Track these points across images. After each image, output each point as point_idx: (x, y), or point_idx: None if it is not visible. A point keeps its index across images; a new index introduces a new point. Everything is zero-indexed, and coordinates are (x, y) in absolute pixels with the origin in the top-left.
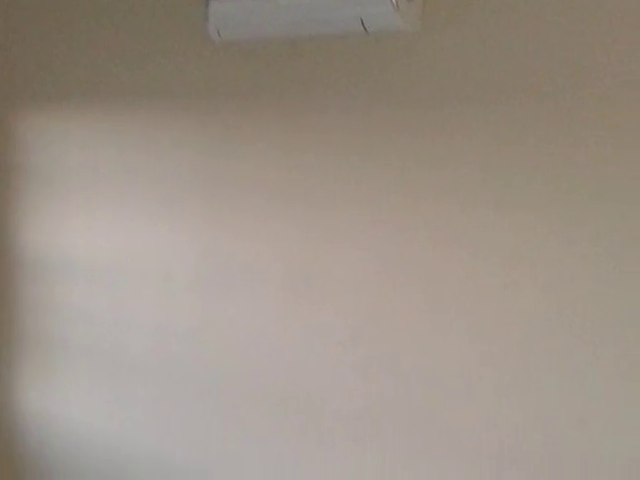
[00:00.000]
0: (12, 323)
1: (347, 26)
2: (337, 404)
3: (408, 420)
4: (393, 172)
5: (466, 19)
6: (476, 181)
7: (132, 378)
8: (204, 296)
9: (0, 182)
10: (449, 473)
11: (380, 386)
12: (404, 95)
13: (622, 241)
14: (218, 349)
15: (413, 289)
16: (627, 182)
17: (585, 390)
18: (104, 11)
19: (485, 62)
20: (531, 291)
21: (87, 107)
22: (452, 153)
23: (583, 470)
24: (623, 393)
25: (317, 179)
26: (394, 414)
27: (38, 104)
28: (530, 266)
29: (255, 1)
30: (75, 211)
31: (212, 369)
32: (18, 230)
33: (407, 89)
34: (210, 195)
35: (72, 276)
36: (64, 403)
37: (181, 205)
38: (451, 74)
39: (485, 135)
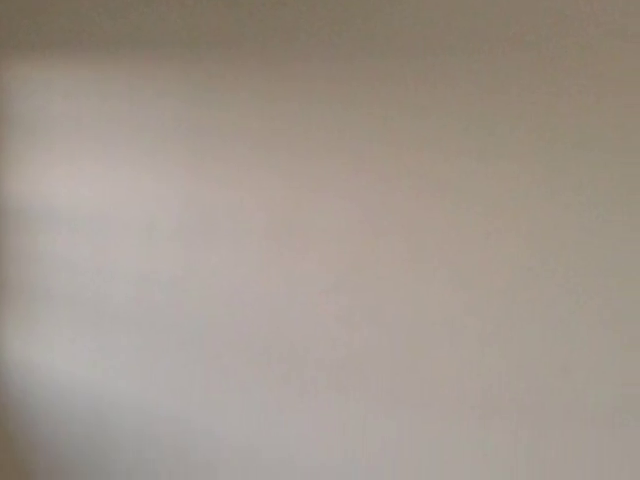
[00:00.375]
0: None
1: None
2: (320, 353)
3: (391, 369)
4: (376, 121)
5: None
6: (459, 130)
7: (115, 327)
8: (187, 245)
9: None
10: (432, 422)
11: (363, 335)
12: (388, 44)
13: (605, 190)
14: (201, 298)
15: (396, 238)
16: (610, 131)
17: (568, 339)
18: None
19: (468, 11)
20: (514, 240)
21: (70, 56)
22: (435, 102)
23: (566, 418)
24: (606, 342)
25: (300, 128)
26: (377, 363)
27: (21, 53)
28: (513, 215)
29: None
30: (58, 160)
31: (195, 318)
32: (1, 179)
33: (390, 38)
34: (193, 144)
35: (55, 225)
36: (47, 352)
37: (164, 154)
38: (434, 23)
39: (468, 84)
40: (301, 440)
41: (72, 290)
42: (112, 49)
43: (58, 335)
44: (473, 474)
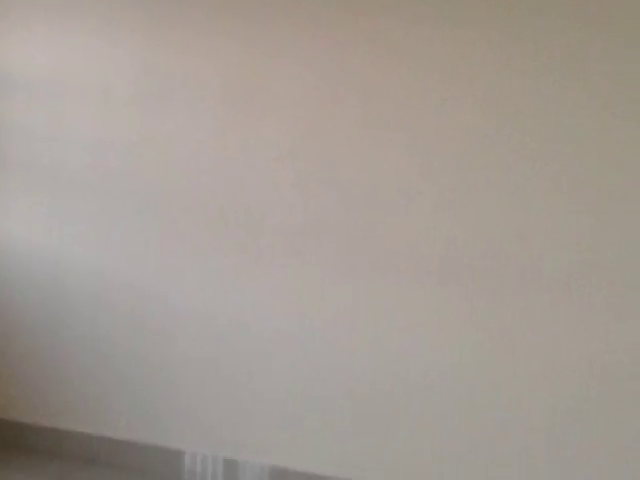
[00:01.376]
0: None
1: None
2: (276, 219)
3: (347, 235)
4: None
5: None
6: None
7: (71, 193)
8: (143, 111)
9: None
10: (388, 288)
11: (319, 201)
12: None
13: (561, 55)
14: (157, 164)
15: (353, 104)
16: None
17: (524, 205)
18: None
19: None
20: (470, 107)
21: None
22: None
23: (522, 284)
24: (562, 207)
25: None
26: (333, 229)
27: None
28: (469, 81)
29: None
30: (13, 27)
31: (151, 184)
32: None
33: None
34: (149, 10)
35: (11, 92)
36: (4, 219)
37: (120, 20)
38: None
39: None
40: (257, 306)
41: (29, 157)
42: None
43: (15, 202)
44: (429, 339)
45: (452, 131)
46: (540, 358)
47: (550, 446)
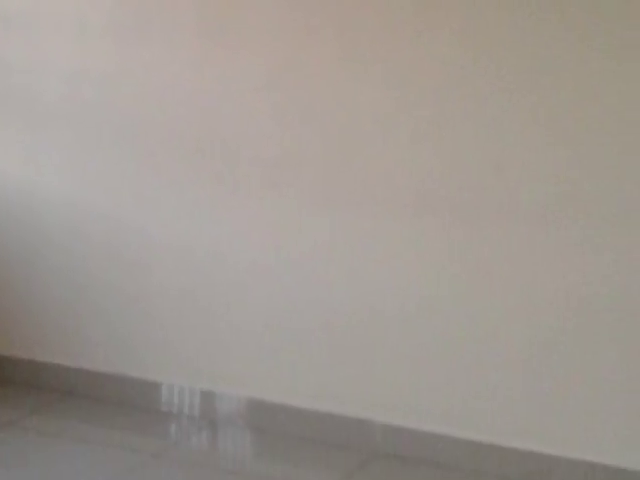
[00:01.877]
0: None
1: None
2: (253, 151)
3: (324, 167)
4: None
5: None
6: None
7: (47, 125)
8: (119, 42)
9: None
10: (365, 220)
11: (296, 133)
12: None
13: None
14: (134, 96)
15: (329, 36)
16: None
17: (501, 136)
18: None
19: None
20: (447, 38)
21: None
22: None
23: (498, 216)
24: (539, 139)
25: None
26: (310, 161)
27: None
28: (446, 13)
29: None
30: None
31: (128, 116)
32: None
33: None
34: None
35: None
36: None
37: None
38: None
39: None
40: (234, 238)
41: (4, 89)
42: None
43: None
44: (406, 271)
45: (428, 63)
46: (517, 290)
47: (527, 377)
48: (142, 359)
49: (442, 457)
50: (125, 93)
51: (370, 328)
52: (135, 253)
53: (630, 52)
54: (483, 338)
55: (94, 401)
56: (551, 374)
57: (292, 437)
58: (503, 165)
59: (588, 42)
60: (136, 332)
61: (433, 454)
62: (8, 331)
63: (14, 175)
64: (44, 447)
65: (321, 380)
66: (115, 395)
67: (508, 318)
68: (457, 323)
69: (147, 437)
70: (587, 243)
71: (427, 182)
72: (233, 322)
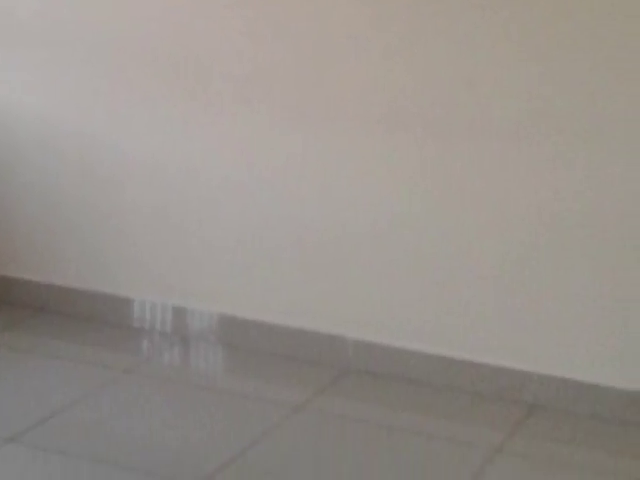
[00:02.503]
0: None
1: None
2: (226, 67)
3: (297, 83)
4: None
5: None
6: None
7: (20, 41)
8: None
9: None
10: (338, 136)
11: (269, 49)
12: None
13: None
14: (106, 12)
15: None
16: None
17: (473, 52)
18: None
19: None
20: None
21: None
22: None
23: (471, 132)
24: (511, 55)
25: None
26: (283, 77)
27: None
28: None
29: None
30: None
31: (101, 33)
32: None
33: None
34: None
35: None
36: None
37: None
38: None
39: None
40: (206, 154)
41: None
42: None
43: None
44: (378, 187)
45: None
46: (489, 206)
47: (499, 293)
48: (114, 275)
49: (414, 373)
50: (98, 10)
51: (342, 244)
52: (108, 170)
53: None
54: (455, 254)
55: (66, 317)
56: (523, 290)
57: (264, 353)
58: (475, 81)
59: None
60: (108, 248)
61: (405, 370)
62: None
63: None
64: (16, 363)
65: (293, 296)
66: (87, 311)
67: (480, 234)
68: (429, 239)
69: (119, 353)
70: (559, 159)
71: (399, 98)
72: (205, 238)
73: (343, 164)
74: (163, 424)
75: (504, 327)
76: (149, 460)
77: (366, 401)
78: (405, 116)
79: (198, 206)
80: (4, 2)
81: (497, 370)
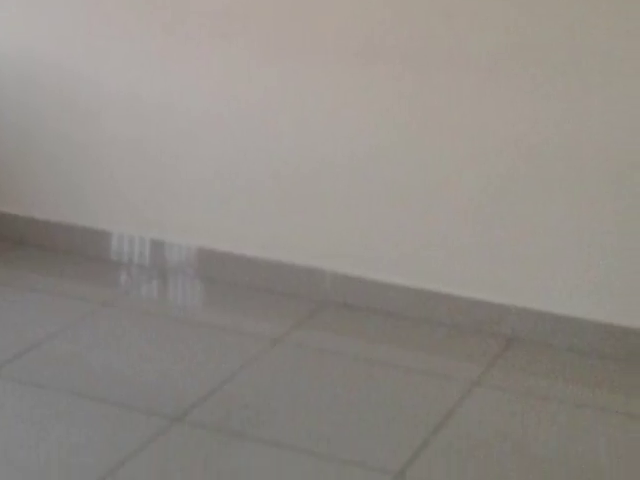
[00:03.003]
0: None
1: None
2: (203, 0)
3: (274, 16)
4: None
5: None
6: None
7: None
8: None
9: None
10: (315, 69)
11: None
12: None
13: None
14: None
15: None
16: None
17: None
18: None
19: None
20: None
21: None
22: None
23: (448, 64)
24: None
25: None
26: (260, 10)
27: None
28: None
29: None
30: None
31: None
32: None
33: None
34: None
35: None
36: None
37: None
38: None
39: None
40: (184, 87)
41: None
42: None
43: None
44: (356, 120)
45: None
46: (467, 139)
47: (477, 226)
48: (93, 208)
49: (392, 306)
50: None
51: (320, 177)
52: (86, 103)
53: None
54: (433, 187)
55: (44, 250)
56: (501, 223)
57: (242, 286)
58: (453, 13)
59: None
60: (87, 182)
61: (383, 303)
62: None
63: None
64: None
65: (271, 229)
66: (65, 244)
67: (458, 167)
68: (407, 172)
69: (97, 286)
70: (537, 91)
71: (377, 31)
72: (183, 172)
73: (321, 97)
74: (141, 357)
75: (482, 260)
76: (127, 393)
77: (344, 334)
78: (383, 49)
79: (176, 139)
80: None
81: (475, 303)
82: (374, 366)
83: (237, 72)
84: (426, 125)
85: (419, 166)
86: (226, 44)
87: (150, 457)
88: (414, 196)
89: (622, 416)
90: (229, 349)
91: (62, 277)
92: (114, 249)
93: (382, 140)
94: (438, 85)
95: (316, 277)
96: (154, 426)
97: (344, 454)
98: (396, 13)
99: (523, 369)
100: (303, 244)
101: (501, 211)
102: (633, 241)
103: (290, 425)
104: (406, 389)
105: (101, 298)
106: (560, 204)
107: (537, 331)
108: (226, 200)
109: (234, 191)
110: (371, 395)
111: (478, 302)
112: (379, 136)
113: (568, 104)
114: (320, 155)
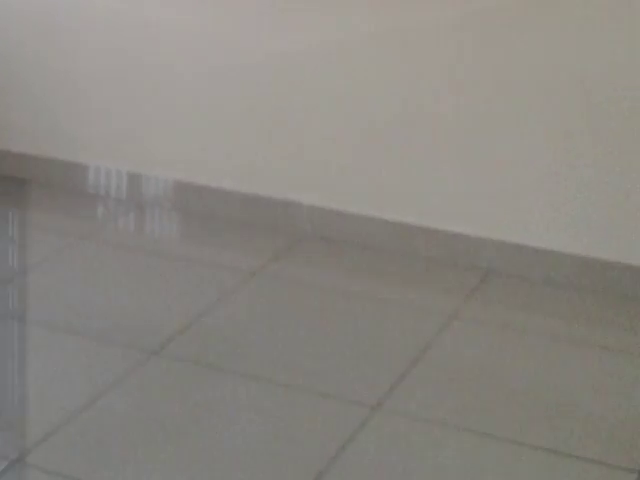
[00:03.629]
0: None
1: None
2: None
3: None
4: None
5: None
6: None
7: None
8: None
9: None
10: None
11: None
12: None
13: None
14: None
15: None
16: None
17: None
18: None
19: None
20: None
21: None
22: None
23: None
24: None
25: None
26: None
27: None
28: None
29: None
30: None
31: None
32: None
33: None
34: None
35: None
36: None
37: None
38: None
39: None
40: (162, 19)
41: None
42: None
43: None
44: (334, 48)
45: None
46: (443, 70)
47: (454, 160)
48: (69, 141)
49: (369, 239)
50: None
51: (297, 109)
52: (63, 35)
53: None
54: (410, 120)
55: (21, 183)
56: (478, 156)
57: (219, 219)
58: None
59: None
60: (64, 115)
61: (360, 236)
62: None
63: None
64: None
65: (248, 162)
66: (42, 177)
67: (435, 100)
68: (384, 104)
69: (74, 219)
70: (514, 25)
71: None
72: (160, 105)
73: (297, 29)
74: (119, 290)
75: (459, 193)
76: (105, 326)
77: (321, 267)
78: None
79: (153, 71)
80: None
81: (453, 236)
82: (351, 299)
83: (215, 4)
84: (402, 58)
85: (396, 99)
86: None
87: (128, 390)
88: (391, 129)
89: (598, 348)
90: (206, 282)
91: (39, 210)
92: (91, 182)
93: (359, 69)
94: (414, 18)
95: (294, 210)
96: (132, 359)
97: (321, 387)
98: None
99: (500, 302)
100: (280, 177)
101: (478, 144)
102: (610, 174)
103: (267, 358)
104: (383, 322)
105: (78, 231)
106: (537, 137)
107: (514, 264)
108: (204, 133)
109: (211, 124)
110: (348, 328)
111: (455, 235)
112: (356, 66)
113: (545, 34)
114: (297, 85)
